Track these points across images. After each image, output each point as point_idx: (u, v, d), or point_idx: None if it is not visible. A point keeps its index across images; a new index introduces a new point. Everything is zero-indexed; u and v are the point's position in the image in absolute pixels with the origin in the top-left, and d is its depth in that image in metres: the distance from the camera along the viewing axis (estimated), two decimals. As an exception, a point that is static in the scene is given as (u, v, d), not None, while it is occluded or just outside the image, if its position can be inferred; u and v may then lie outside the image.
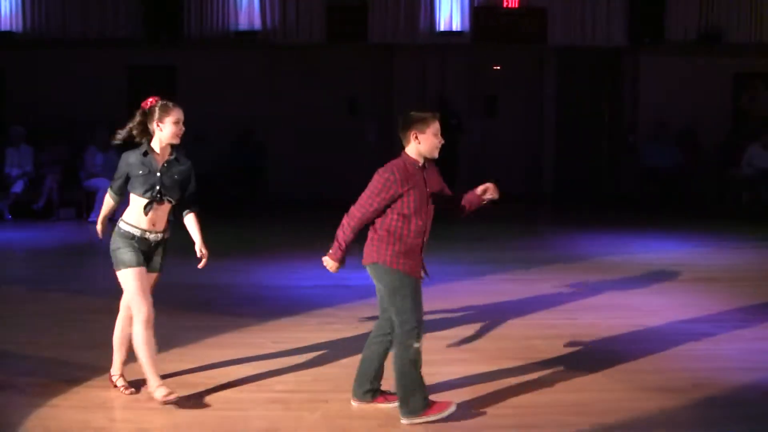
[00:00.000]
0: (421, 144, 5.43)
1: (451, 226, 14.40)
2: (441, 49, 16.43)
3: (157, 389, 5.59)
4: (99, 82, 15.56)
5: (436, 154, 5.48)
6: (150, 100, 5.73)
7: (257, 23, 15.75)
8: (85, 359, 6.60)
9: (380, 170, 5.46)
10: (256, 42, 15.78)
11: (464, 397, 5.79)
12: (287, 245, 11.40)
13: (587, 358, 6.69)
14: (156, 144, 5.70)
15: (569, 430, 5.35)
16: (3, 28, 15.33)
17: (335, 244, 5.45)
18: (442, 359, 6.68)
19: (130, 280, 5.64)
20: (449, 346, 7.09)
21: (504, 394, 5.89)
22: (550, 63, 17.22)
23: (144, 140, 5.72)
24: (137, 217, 5.71)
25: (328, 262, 5.51)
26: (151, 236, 5.75)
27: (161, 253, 5.87)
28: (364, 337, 7.18)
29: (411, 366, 5.37)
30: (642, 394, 5.83)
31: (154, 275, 5.84)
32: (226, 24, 15.73)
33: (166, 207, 5.78)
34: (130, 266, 5.63)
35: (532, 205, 16.34)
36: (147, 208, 5.68)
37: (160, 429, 5.33)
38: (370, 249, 5.46)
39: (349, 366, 6.34)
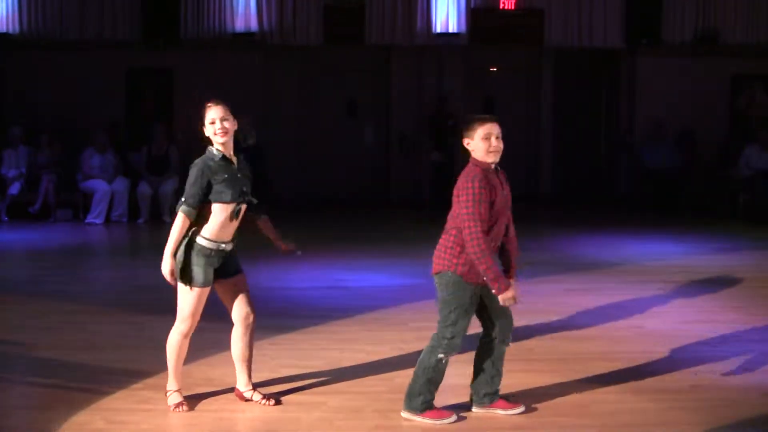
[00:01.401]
0: (474, 150, 5.36)
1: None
2: (438, 50, 16.43)
3: (173, 394, 5.59)
4: (96, 83, 15.55)
5: (490, 158, 5.39)
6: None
7: (254, 25, 15.75)
8: (83, 361, 6.59)
9: (464, 180, 5.31)
10: (253, 44, 15.78)
11: (462, 398, 5.78)
12: (282, 247, 11.36)
13: (585, 359, 6.68)
14: (218, 146, 5.52)
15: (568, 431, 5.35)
16: (0, 30, 15.31)
17: (491, 276, 5.15)
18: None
19: (193, 299, 5.48)
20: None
21: (504, 397, 5.88)
22: (548, 64, 17.22)
23: (209, 146, 5.55)
24: (219, 230, 5.47)
25: (507, 295, 5.21)
26: (229, 246, 5.58)
27: (235, 254, 5.70)
28: (360, 338, 7.21)
29: (430, 370, 5.37)
30: (640, 396, 5.83)
31: (240, 276, 5.70)
32: (223, 26, 15.72)
33: (240, 218, 5.58)
34: (199, 286, 5.46)
35: (529, 206, 16.32)
36: (236, 216, 5.51)
37: (156, 430, 5.31)
38: (442, 257, 5.35)
39: (344, 367, 6.34)
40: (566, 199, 16.53)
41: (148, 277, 9.96)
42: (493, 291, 5.21)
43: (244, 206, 5.55)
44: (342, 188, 16.51)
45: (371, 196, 16.44)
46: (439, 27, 16.05)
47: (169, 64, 15.85)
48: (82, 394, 5.87)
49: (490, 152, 5.37)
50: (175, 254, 5.43)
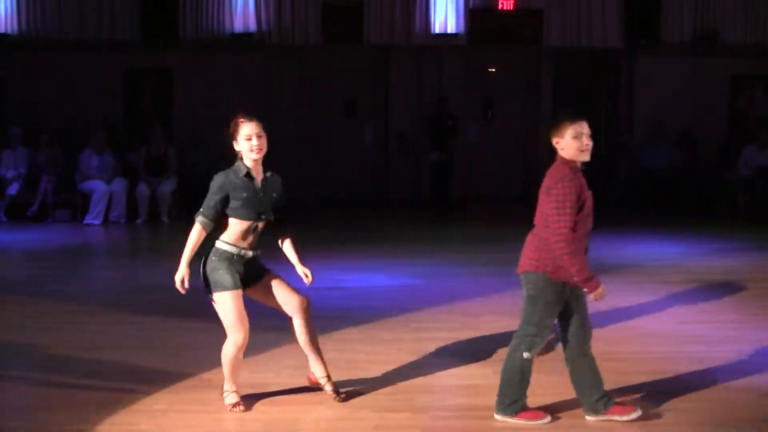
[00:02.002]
0: (565, 149, 5.36)
1: (448, 229, 14.44)
2: (437, 51, 16.43)
3: (230, 394, 5.59)
4: (95, 84, 15.54)
5: (583, 157, 5.36)
6: (238, 116, 5.57)
7: (253, 25, 15.74)
8: (82, 361, 6.58)
9: (553, 180, 5.32)
10: (252, 44, 15.78)
11: (460, 399, 5.78)
12: (280, 247, 11.36)
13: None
14: (249, 163, 5.53)
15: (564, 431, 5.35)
16: (-1, 30, 15.32)
17: (584, 277, 5.13)
18: (437, 360, 6.67)
19: (228, 303, 5.47)
20: (445, 347, 7.07)
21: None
22: (547, 65, 17.22)
23: (238, 160, 5.55)
24: (237, 238, 5.52)
25: (598, 294, 5.18)
26: (250, 252, 5.57)
27: (258, 259, 5.70)
28: (358, 338, 7.20)
29: (518, 371, 5.37)
30: (637, 397, 5.82)
31: (271, 274, 5.69)
32: (222, 26, 15.72)
33: (260, 229, 5.61)
34: (228, 289, 5.46)
35: (528, 207, 16.30)
36: (253, 232, 5.54)
37: (156, 431, 5.31)
38: (529, 256, 5.34)
39: (343, 368, 6.33)
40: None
41: (146, 277, 9.99)
42: (585, 290, 5.20)
43: (261, 224, 5.56)
44: (341, 188, 16.51)
45: (371, 196, 16.44)
46: (437, 27, 16.05)
47: (168, 64, 15.85)
48: (82, 394, 5.86)
49: (583, 151, 5.34)
50: (189, 263, 5.50)
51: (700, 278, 9.78)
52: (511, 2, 16.12)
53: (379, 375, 6.28)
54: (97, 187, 13.90)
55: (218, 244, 5.52)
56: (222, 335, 7.37)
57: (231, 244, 5.51)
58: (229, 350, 5.56)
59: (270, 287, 5.65)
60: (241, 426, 5.43)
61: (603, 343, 7.14)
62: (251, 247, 5.57)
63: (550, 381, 6.00)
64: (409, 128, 16.58)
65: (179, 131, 15.49)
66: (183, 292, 5.52)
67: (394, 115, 16.73)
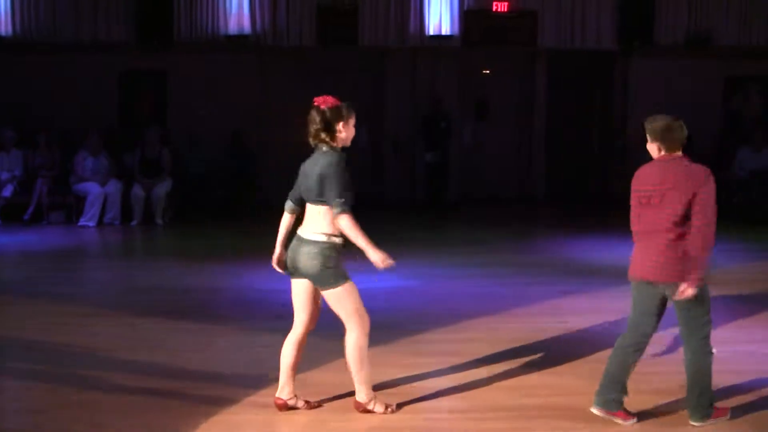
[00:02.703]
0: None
1: (443, 230, 14.45)
2: (431, 52, 16.44)
3: (373, 403, 5.53)
4: (90, 86, 15.51)
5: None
6: (329, 99, 5.49)
7: (248, 27, 15.74)
8: (77, 363, 6.58)
9: (705, 172, 5.59)
10: (246, 46, 15.77)
11: (455, 401, 5.79)
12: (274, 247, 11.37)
13: (578, 361, 6.69)
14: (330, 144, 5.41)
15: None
16: (-7, 32, 15.29)
17: (700, 268, 5.30)
18: (431, 362, 6.67)
19: (353, 292, 5.39)
20: (439, 348, 7.08)
21: (496, 398, 5.90)
22: (541, 66, 17.23)
23: (322, 144, 5.42)
24: (331, 226, 5.35)
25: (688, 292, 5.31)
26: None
27: None
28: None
29: (708, 374, 5.45)
30: (633, 397, 5.81)
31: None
32: (217, 28, 15.71)
33: (315, 208, 5.46)
34: (350, 280, 5.39)
35: (522, 209, 16.35)
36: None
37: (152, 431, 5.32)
38: (675, 264, 5.38)
39: (339, 370, 6.33)
40: (560, 201, 16.54)
41: (141, 279, 9.99)
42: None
43: None
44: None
45: (365, 198, 16.41)
46: (432, 29, 16.05)
47: (163, 66, 15.83)
48: (79, 396, 5.86)
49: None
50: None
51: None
52: (506, 4, 16.13)
53: (374, 376, 6.28)
54: (92, 189, 13.88)
55: (327, 237, 5.34)
56: (212, 336, 7.38)
57: (335, 235, 5.37)
58: (359, 342, 5.43)
59: (309, 291, 5.53)
60: (237, 428, 5.43)
61: (598, 344, 7.16)
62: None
63: (544, 381, 6.02)
64: (404, 130, 16.58)
65: (174, 133, 15.47)
66: (389, 265, 5.39)
67: (388, 116, 16.73)
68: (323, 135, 5.43)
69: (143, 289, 9.36)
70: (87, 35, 15.40)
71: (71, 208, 14.09)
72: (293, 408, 5.59)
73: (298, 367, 5.66)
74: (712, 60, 16.35)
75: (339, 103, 5.46)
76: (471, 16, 16.10)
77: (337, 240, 5.36)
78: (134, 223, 13.94)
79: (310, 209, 5.45)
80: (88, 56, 15.47)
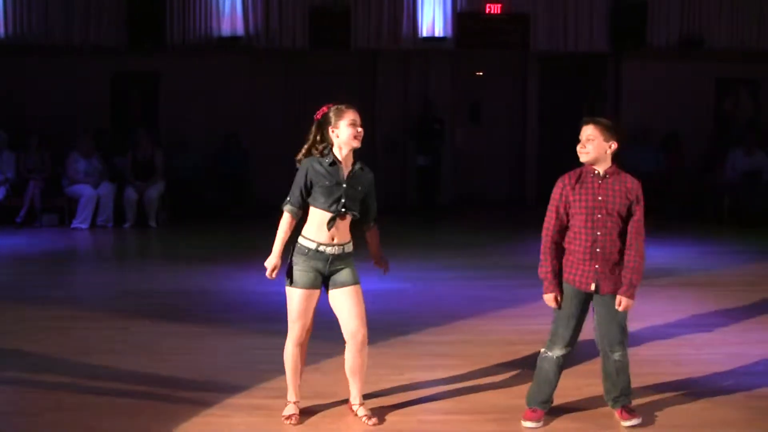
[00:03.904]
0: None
1: (435, 233, 14.46)
2: (424, 55, 16.45)
3: (289, 404, 5.54)
4: (82, 88, 15.50)
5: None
6: (322, 108, 5.45)
7: (240, 29, 15.73)
8: (70, 366, 6.57)
9: (638, 182, 5.49)
10: (239, 48, 15.77)
11: (447, 403, 5.80)
12: (270, 250, 11.36)
13: (571, 362, 6.69)
14: (337, 152, 5.36)
15: (552, 434, 5.37)
16: (-15, 34, 15.26)
17: (637, 279, 5.31)
18: (425, 365, 6.69)
19: (294, 300, 5.36)
20: (432, 351, 7.09)
21: (487, 400, 5.91)
22: (533, 69, 17.27)
23: (326, 151, 5.38)
24: (316, 230, 5.34)
25: (623, 303, 5.33)
26: (329, 249, 5.34)
27: (349, 265, 5.45)
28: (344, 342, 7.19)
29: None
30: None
31: (350, 288, 5.43)
32: (209, 30, 15.70)
33: (348, 220, 5.41)
34: (297, 287, 5.35)
35: (515, 210, 16.38)
36: (330, 224, 5.31)
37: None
38: (620, 270, 5.36)
39: (331, 372, 6.34)
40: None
41: (134, 282, 9.98)
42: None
43: (343, 218, 5.37)
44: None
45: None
46: (425, 31, 16.06)
47: (155, 68, 15.82)
48: (70, 399, 5.86)
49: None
50: (282, 253, 5.39)
51: (686, 281, 9.83)
52: (498, 6, 16.15)
53: (370, 378, 6.29)
54: (84, 191, 13.86)
55: (299, 238, 5.39)
56: (204, 338, 7.39)
57: (309, 240, 5.35)
58: (286, 348, 5.46)
59: (340, 300, 5.43)
60: (230, 430, 5.43)
61: (589, 345, 7.16)
62: (333, 243, 5.36)
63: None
64: (396, 132, 16.60)
65: (166, 135, 15.46)
66: (271, 277, 5.38)
67: (381, 119, 16.75)
68: (319, 146, 5.44)
69: (136, 291, 9.36)
70: (79, 37, 15.37)
71: (64, 211, 14.08)
72: (355, 414, 5.58)
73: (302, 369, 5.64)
74: (704, 62, 16.40)
75: (327, 109, 5.45)
76: (464, 18, 16.12)
77: (305, 242, 5.38)
78: (127, 225, 13.93)
79: None
80: (80, 58, 15.46)
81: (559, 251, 5.46)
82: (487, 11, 16.12)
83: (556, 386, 5.54)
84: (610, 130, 5.43)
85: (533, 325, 7.82)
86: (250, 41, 15.76)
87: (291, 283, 5.37)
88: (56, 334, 7.51)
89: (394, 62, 16.62)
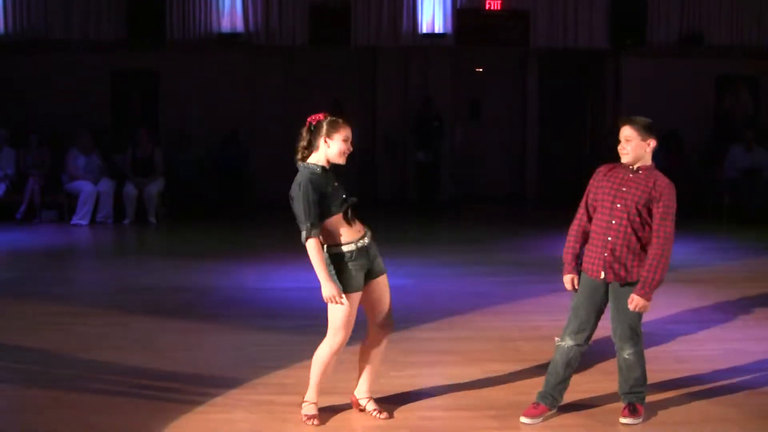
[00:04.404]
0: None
1: (434, 230, 14.46)
2: (424, 51, 16.44)
3: (310, 405, 5.46)
4: (82, 85, 15.48)
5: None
6: (318, 115, 5.40)
7: (240, 26, 15.72)
8: (69, 363, 6.57)
9: (670, 185, 5.47)
10: (239, 44, 15.75)
11: (448, 398, 5.79)
12: (270, 247, 11.38)
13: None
14: (322, 161, 5.30)
15: (553, 431, 5.36)
16: (-15, 31, 15.24)
17: (656, 281, 5.35)
18: (425, 361, 6.68)
19: (346, 307, 5.24)
20: (433, 347, 7.09)
21: (487, 396, 5.91)
22: (533, 65, 17.26)
23: (305, 154, 5.35)
24: (344, 233, 5.27)
25: (639, 304, 5.34)
26: (365, 241, 5.32)
27: (377, 251, 5.42)
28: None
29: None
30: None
31: (384, 276, 5.42)
32: (209, 27, 15.68)
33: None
34: (351, 291, 5.25)
35: (515, 207, 16.37)
36: (349, 216, 5.29)
37: (144, 431, 5.31)
38: (636, 265, 5.38)
39: (336, 370, 6.32)
40: (552, 200, 16.55)
41: (134, 278, 9.97)
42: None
43: (352, 208, 5.36)
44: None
45: (357, 196, 16.39)
46: (424, 28, 16.05)
47: (154, 64, 15.80)
48: (70, 396, 5.86)
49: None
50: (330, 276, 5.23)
51: (687, 278, 9.82)
52: (498, 3, 16.13)
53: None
54: (84, 187, 13.85)
55: (334, 249, 5.27)
56: (204, 335, 7.38)
57: (344, 243, 5.26)
58: (323, 352, 5.38)
59: (377, 288, 5.41)
60: (231, 426, 5.42)
61: (599, 342, 7.17)
62: (363, 235, 5.34)
63: (536, 379, 6.02)
64: (396, 129, 16.59)
65: (166, 132, 15.45)
66: (341, 303, 5.20)
67: (380, 115, 16.74)
68: (305, 151, 5.39)
69: (135, 288, 9.35)
70: (78, 34, 15.35)
71: (63, 207, 14.07)
72: (363, 409, 5.57)
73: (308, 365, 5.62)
74: (704, 59, 16.38)
75: (322, 117, 5.40)
76: (463, 14, 16.10)
77: (344, 249, 5.28)
78: (126, 221, 13.92)
79: None
80: (80, 55, 15.44)
81: (585, 238, 5.54)
82: (486, 8, 16.10)
83: (564, 381, 5.52)
84: (647, 129, 5.49)
85: (533, 321, 7.83)
86: (249, 38, 15.75)
87: (344, 289, 5.25)
88: (56, 330, 7.51)
89: (393, 59, 16.61)
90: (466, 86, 17.21)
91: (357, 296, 5.31)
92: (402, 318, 7.90)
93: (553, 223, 14.69)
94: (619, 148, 5.50)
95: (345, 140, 5.33)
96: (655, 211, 5.37)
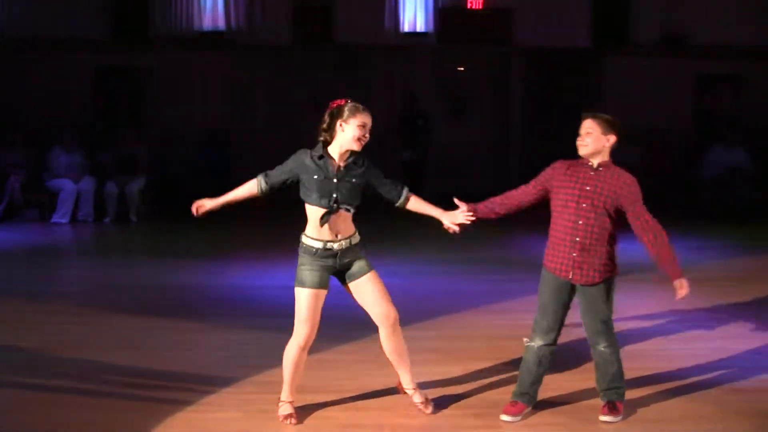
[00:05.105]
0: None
1: (420, 228, 14.44)
2: (407, 50, 16.44)
3: (285, 404, 5.45)
4: (65, 82, 15.41)
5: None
6: (341, 101, 5.39)
7: (222, 24, 15.68)
8: (52, 361, 6.54)
9: (632, 177, 5.50)
10: (222, 42, 15.71)
11: (431, 396, 5.79)
12: (253, 246, 11.37)
13: (556, 357, 6.71)
14: (335, 148, 5.31)
15: (539, 429, 5.38)
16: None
17: (675, 263, 5.43)
18: (411, 359, 6.67)
19: (302, 300, 5.30)
20: (417, 345, 7.08)
21: (473, 394, 5.92)
22: (516, 64, 17.29)
23: (321, 144, 5.35)
24: (315, 227, 5.28)
25: (683, 286, 5.41)
26: (336, 245, 5.30)
27: (359, 256, 5.42)
28: (330, 337, 7.18)
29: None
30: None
31: (369, 275, 5.43)
32: (192, 24, 15.64)
33: (347, 215, 5.34)
34: (305, 287, 5.30)
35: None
36: (323, 219, 5.24)
37: (127, 431, 5.28)
38: (605, 263, 5.41)
39: (312, 368, 6.31)
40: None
41: (115, 276, 9.93)
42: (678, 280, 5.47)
43: (341, 212, 5.31)
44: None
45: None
46: (407, 26, 16.06)
47: (138, 62, 15.75)
48: (50, 396, 5.83)
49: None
50: (219, 203, 5.66)
51: (666, 276, 9.83)
52: (481, 1, 16.17)
53: (348, 374, 6.29)
54: (65, 185, 13.79)
55: (302, 238, 5.33)
56: (185, 334, 7.36)
57: (313, 239, 5.30)
58: (290, 349, 5.40)
59: (362, 289, 5.44)
60: (211, 425, 5.41)
61: (574, 339, 7.19)
62: (338, 239, 5.31)
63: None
64: (380, 127, 16.58)
65: (150, 129, 15.39)
66: (195, 214, 5.54)
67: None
68: (324, 134, 5.41)
69: (117, 287, 9.31)
70: (62, 31, 15.28)
71: (44, 205, 13.99)
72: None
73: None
74: (686, 58, 16.47)
75: (344, 102, 5.41)
76: (446, 13, 16.13)
77: (310, 242, 5.32)
78: (107, 219, 13.86)
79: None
80: (63, 53, 15.36)
81: (504, 207, 5.88)
82: (469, 6, 16.13)
83: (539, 380, 5.54)
84: (609, 124, 5.51)
85: (519, 319, 7.83)
86: (232, 36, 15.72)
87: (298, 283, 5.32)
88: (38, 329, 7.47)
89: (376, 58, 16.61)
90: (450, 84, 17.23)
91: (313, 293, 5.30)
92: (386, 316, 7.92)
93: (536, 221, 14.74)
94: (578, 140, 5.56)
95: (361, 126, 5.31)
96: (628, 208, 5.38)
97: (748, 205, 14.57)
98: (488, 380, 6.20)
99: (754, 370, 6.45)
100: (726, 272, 10.31)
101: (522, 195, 5.63)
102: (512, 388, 5.77)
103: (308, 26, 15.91)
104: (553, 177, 5.55)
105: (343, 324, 7.08)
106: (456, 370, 6.36)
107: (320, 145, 5.38)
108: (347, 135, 5.31)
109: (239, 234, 12.66)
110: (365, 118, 5.33)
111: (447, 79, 17.20)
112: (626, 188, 5.40)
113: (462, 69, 17.53)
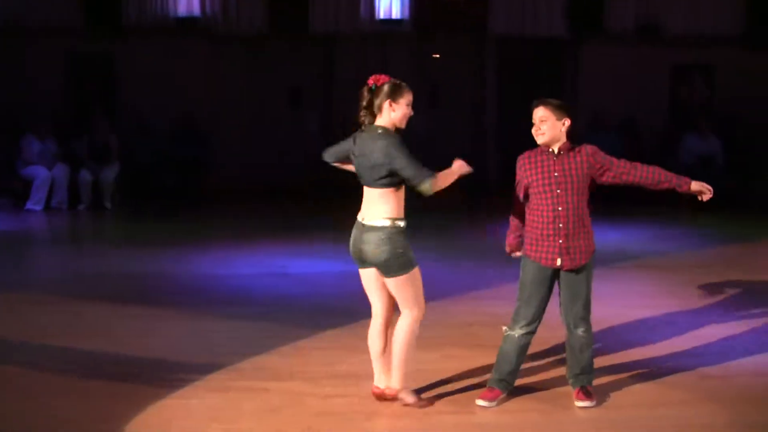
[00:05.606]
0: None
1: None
2: (382, 38, 16.41)
3: (406, 394, 5.39)
4: (37, 70, 15.28)
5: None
6: (381, 77, 5.39)
7: (197, 10, 15.59)
8: (25, 349, 6.51)
9: (594, 147, 5.56)
10: (196, 30, 15.62)
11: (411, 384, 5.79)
12: (228, 235, 11.33)
13: (532, 344, 6.74)
14: (388, 125, 5.35)
15: (509, 416, 5.40)
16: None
17: (677, 176, 5.64)
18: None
19: (418, 277, 5.33)
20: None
21: (445, 380, 5.93)
22: (492, 52, 17.28)
23: (375, 126, 5.32)
24: (397, 208, 5.30)
25: (703, 186, 5.65)
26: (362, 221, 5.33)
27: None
28: (305, 325, 7.18)
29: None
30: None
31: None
32: (167, 11, 15.53)
33: (375, 192, 5.27)
34: (416, 265, 5.34)
35: (475, 194, 16.39)
36: (367, 197, 5.29)
37: (101, 417, 5.26)
38: (588, 243, 5.47)
39: (288, 355, 6.33)
40: (511, 187, 16.60)
41: (89, 264, 9.89)
42: None
43: (370, 191, 5.37)
44: (287, 176, 16.42)
45: (316, 184, 16.37)
46: (382, 14, 16.02)
47: (110, 50, 15.63)
48: (23, 384, 5.81)
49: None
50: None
51: (641, 264, 9.93)
52: (456, -11, 16.16)
53: (323, 361, 6.29)
54: (39, 173, 13.70)
55: (395, 222, 5.26)
56: (160, 321, 7.34)
57: (402, 219, 5.33)
58: (411, 328, 5.31)
59: (378, 277, 5.40)
60: (185, 410, 5.40)
61: (546, 328, 7.22)
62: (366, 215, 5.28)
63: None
64: (355, 116, 16.55)
65: (123, 117, 15.30)
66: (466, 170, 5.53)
67: (339, 102, 16.68)
68: (367, 115, 5.40)
69: (90, 274, 9.27)
70: (34, 19, 15.13)
71: (18, 193, 13.89)
72: (392, 399, 5.45)
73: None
74: (660, 48, 16.53)
75: (388, 80, 5.43)
76: (422, 0, 16.10)
77: (402, 224, 5.30)
78: (82, 207, 13.79)
79: (370, 193, 5.30)
80: (35, 40, 15.22)
81: (522, 226, 5.70)
82: (445, -6, 16.12)
83: (517, 367, 5.57)
84: (561, 109, 5.51)
85: (491, 307, 7.86)
86: (207, 24, 15.63)
87: (410, 266, 5.31)
88: (9, 318, 7.43)
89: (351, 46, 16.55)
90: (425, 73, 17.19)
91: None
92: (361, 304, 7.90)
93: (510, 210, 14.79)
94: (534, 130, 5.55)
95: (408, 105, 5.37)
96: (605, 169, 5.50)
97: (722, 194, 14.63)
98: (462, 367, 6.21)
99: (724, 356, 6.50)
100: (700, 260, 10.36)
101: (522, 206, 5.67)
102: (485, 374, 5.79)
103: (284, 14, 15.84)
104: (524, 172, 5.61)
105: (319, 313, 7.07)
106: (429, 357, 6.36)
107: (375, 126, 5.34)
108: (398, 114, 5.35)
109: (216, 223, 12.63)
110: (410, 96, 5.43)
111: (423, 67, 17.17)
112: (591, 158, 5.49)
113: (437, 56, 17.52)
